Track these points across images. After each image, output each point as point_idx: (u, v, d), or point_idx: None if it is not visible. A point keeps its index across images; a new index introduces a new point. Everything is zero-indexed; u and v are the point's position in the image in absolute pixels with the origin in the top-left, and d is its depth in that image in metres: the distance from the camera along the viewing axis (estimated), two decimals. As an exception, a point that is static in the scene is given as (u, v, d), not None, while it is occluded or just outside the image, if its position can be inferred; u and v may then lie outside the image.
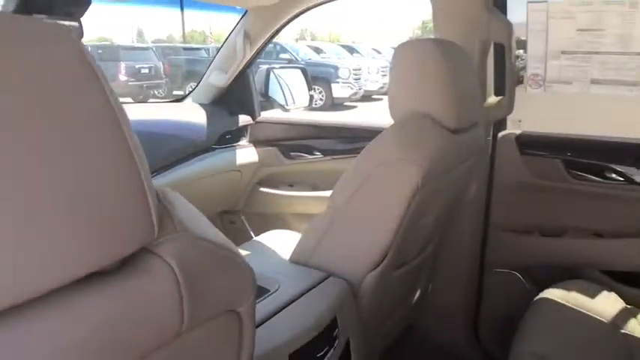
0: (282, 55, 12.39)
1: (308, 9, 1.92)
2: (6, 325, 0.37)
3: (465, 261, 1.77)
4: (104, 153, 0.42)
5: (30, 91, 0.38)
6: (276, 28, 1.99)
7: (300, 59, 12.35)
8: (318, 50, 13.79)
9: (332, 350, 1.02)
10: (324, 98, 11.85)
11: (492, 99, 1.64)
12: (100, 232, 0.41)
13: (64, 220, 0.39)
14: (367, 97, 12.95)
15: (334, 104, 11.74)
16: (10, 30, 0.39)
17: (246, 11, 1.97)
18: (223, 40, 2.17)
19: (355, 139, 2.08)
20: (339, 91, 11.97)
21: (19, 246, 0.36)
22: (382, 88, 13.83)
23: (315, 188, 2.20)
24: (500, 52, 1.58)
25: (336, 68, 12.13)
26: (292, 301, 1.06)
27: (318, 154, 2.17)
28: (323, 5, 1.92)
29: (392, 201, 1.13)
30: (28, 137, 0.37)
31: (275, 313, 1.00)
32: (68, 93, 0.41)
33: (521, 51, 1.67)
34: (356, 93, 12.34)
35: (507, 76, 1.60)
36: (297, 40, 20.82)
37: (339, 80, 12.03)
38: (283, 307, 1.03)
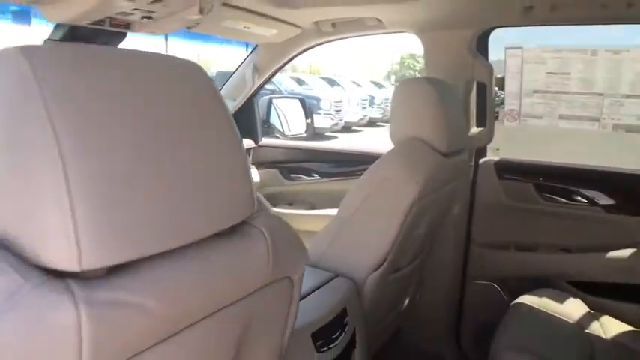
0: (265, 86, 12.62)
1: (311, 47, 2.15)
2: (171, 259, 0.55)
3: (448, 273, 1.97)
4: (230, 153, 0.62)
5: (193, 113, 0.58)
6: (282, 62, 2.22)
7: (282, 90, 12.63)
8: (300, 81, 14.12)
9: (343, 334, 1.20)
10: (302, 138, 12.07)
11: (474, 130, 1.88)
12: (227, 206, 0.61)
13: (208, 196, 0.58)
14: (347, 129, 13.28)
15: (315, 134, 11.97)
16: (169, 67, 0.59)
17: (256, 46, 2.19)
18: (210, 65, 2.37)
19: (349, 163, 2.29)
20: (320, 121, 12.20)
21: (182, 208, 0.55)
22: (362, 119, 14.22)
23: (312, 207, 2.39)
24: (482, 90, 1.82)
25: (318, 99, 12.43)
26: (309, 294, 1.24)
27: (316, 176, 2.37)
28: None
29: (392, 213, 1.34)
30: (186, 143, 0.57)
31: None
32: (209, 113, 0.61)
33: (495, 88, 1.92)
34: (337, 124, 12.65)
35: (488, 111, 1.84)
36: (278, 71, 21.17)
37: (320, 111, 12.32)
38: (302, 298, 1.21)
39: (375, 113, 14.98)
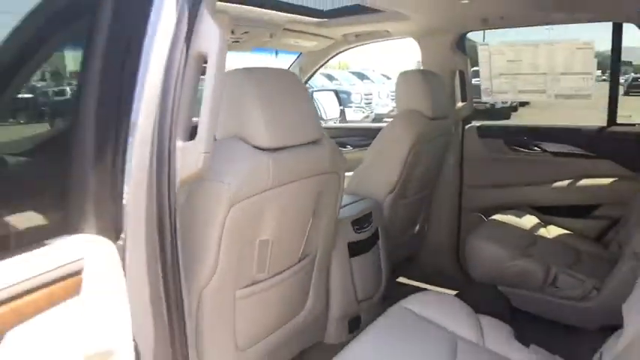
0: (298, 83, 13.42)
1: (340, 52, 2.96)
2: (298, 149, 1.38)
3: (448, 208, 2.74)
4: (313, 107, 1.45)
5: (294, 91, 1.41)
6: (319, 64, 3.04)
7: (314, 86, 13.41)
8: (330, 77, 14.84)
9: (370, 226, 2.01)
10: (337, 122, 12.84)
11: (460, 104, 2.66)
12: (315, 129, 1.44)
13: (309, 125, 1.41)
14: (378, 120, 13.91)
15: (347, 127, 12.67)
16: (282, 72, 1.42)
17: (300, 53, 3.01)
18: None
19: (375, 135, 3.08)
20: (351, 114, 12.85)
21: (302, 127, 1.38)
22: (392, 111, 14.88)
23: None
24: (462, 76, 2.60)
25: (349, 94, 13.12)
26: (348, 204, 2.05)
27: (349, 147, 3.17)
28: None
29: (397, 155, 2.14)
30: (302, 106, 1.40)
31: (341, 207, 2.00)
32: (301, 91, 1.43)
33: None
34: (367, 116, 13.28)
35: (467, 90, 2.62)
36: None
37: (351, 105, 13.01)
38: (344, 206, 2.02)
39: (403, 104, 15.54)
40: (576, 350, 1.44)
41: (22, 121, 1.21)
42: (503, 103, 9.53)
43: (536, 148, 2.56)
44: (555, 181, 2.49)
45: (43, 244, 0.71)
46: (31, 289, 0.65)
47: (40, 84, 1.13)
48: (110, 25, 0.82)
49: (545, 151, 2.53)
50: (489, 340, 1.42)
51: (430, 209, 2.71)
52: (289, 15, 2.30)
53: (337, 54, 2.98)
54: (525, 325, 1.70)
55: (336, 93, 3.55)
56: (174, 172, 0.97)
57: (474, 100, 2.70)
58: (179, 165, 0.96)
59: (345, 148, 3.18)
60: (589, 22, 2.18)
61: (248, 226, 1.32)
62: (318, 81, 13.87)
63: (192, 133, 0.99)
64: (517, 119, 11.17)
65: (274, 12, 2.14)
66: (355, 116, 12.88)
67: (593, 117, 2.58)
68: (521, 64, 2.50)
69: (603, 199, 2.42)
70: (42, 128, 1.15)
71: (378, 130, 2.58)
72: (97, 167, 0.80)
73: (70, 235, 0.76)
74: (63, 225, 0.77)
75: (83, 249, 0.72)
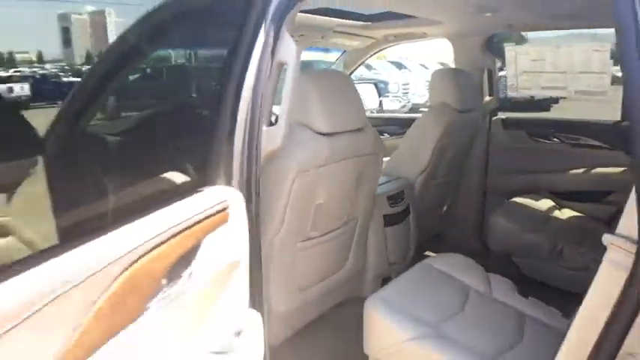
0: (337, 73, 13.75)
1: (380, 50, 3.31)
2: (346, 135, 1.76)
3: (475, 192, 3.07)
4: (359, 100, 1.82)
5: (346, 87, 1.79)
6: (361, 60, 3.39)
7: (353, 76, 13.70)
8: (369, 67, 15.05)
9: (402, 202, 2.37)
10: (374, 111, 13.15)
11: (487, 98, 2.97)
12: (359, 117, 1.80)
13: (354, 113, 1.78)
14: (415, 110, 14.10)
15: (384, 116, 12.97)
16: (335, 73, 1.79)
17: (344, 51, 3.37)
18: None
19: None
20: (388, 104, 13.08)
21: (350, 117, 1.75)
22: (428, 101, 15.03)
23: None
24: (490, 74, 2.92)
25: (387, 83, 13.36)
26: (384, 183, 2.41)
27: (386, 135, 3.52)
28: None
29: (428, 142, 2.49)
30: (353, 98, 1.77)
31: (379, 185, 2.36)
32: (351, 86, 1.81)
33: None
34: (404, 106, 13.47)
35: (494, 86, 2.93)
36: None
37: (389, 94, 13.25)
38: (381, 184, 2.38)
39: (441, 94, 15.65)
40: (568, 306, 1.76)
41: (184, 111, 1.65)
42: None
43: (555, 139, 2.86)
44: (572, 169, 2.79)
45: (201, 191, 1.11)
46: (209, 215, 1.04)
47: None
48: (242, 39, 1.22)
49: (564, 142, 2.82)
50: (496, 292, 1.77)
51: (458, 192, 3.04)
52: (339, 20, 2.66)
53: (378, 51, 3.32)
54: (530, 288, 2.03)
55: (376, 85, 3.91)
56: (260, 148, 1.34)
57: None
58: (264, 143, 1.34)
59: (382, 135, 3.53)
60: (597, 27, 2.46)
61: (308, 192, 1.71)
62: (357, 70, 14.17)
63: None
64: (558, 111, 11.28)
65: (326, 18, 2.50)
66: (392, 105, 13.09)
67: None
68: (544, 64, 2.79)
69: (614, 187, 2.70)
70: (196, 115, 1.57)
71: (413, 120, 2.92)
72: (225, 141, 1.19)
73: (212, 186, 1.16)
74: (207, 179, 1.17)
75: (226, 194, 1.12)
